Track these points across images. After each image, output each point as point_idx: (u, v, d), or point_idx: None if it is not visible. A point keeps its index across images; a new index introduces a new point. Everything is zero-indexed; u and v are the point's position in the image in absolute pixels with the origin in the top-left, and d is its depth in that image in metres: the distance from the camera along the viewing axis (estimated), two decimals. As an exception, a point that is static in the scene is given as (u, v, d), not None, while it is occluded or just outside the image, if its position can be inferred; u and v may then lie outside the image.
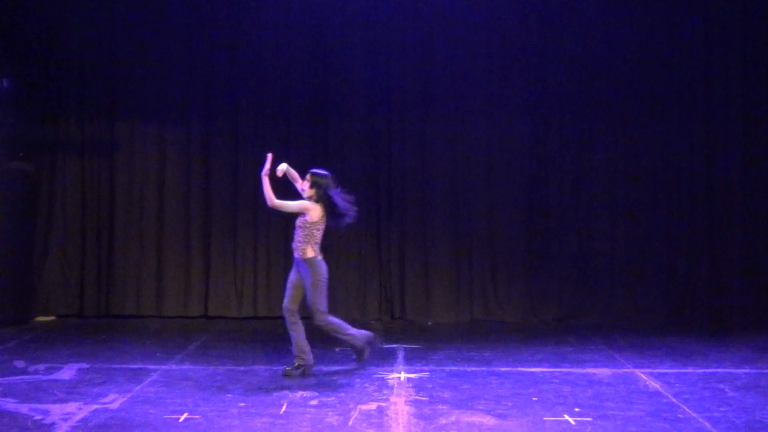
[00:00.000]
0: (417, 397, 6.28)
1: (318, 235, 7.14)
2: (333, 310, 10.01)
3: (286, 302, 7.19)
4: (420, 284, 10.16)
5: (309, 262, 7.07)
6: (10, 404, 6.00)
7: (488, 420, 5.66)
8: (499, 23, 10.18)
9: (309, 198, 7.16)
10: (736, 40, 10.04)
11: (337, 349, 8.19)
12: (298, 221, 7.16)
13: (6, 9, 9.60)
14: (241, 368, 7.29)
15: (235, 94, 10.24)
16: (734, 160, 10.04)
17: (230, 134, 10.26)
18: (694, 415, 5.81)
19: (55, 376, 6.94)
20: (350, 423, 5.57)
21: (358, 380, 6.83)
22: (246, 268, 10.21)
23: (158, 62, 10.20)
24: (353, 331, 7.33)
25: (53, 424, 5.53)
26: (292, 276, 7.24)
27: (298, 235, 7.13)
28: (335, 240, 10.17)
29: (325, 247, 10.05)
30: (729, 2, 10.05)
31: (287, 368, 7.10)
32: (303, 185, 7.26)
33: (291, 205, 7.13)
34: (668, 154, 10.11)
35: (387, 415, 5.79)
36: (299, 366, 7.07)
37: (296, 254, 7.17)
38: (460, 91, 10.17)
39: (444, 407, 5.98)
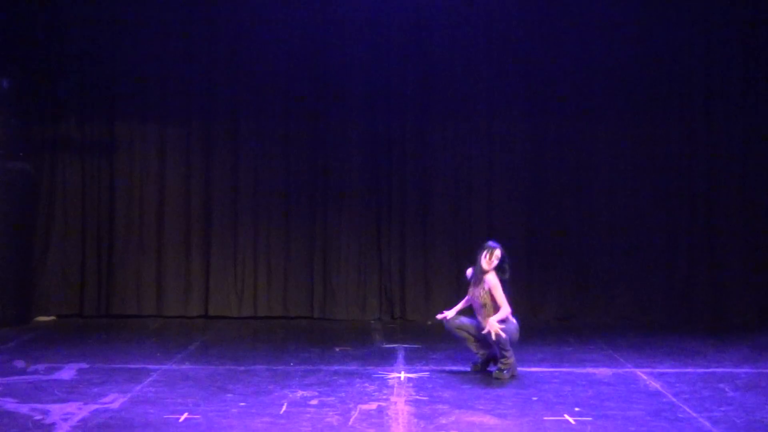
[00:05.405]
0: (417, 397, 6.27)
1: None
2: (333, 309, 10.18)
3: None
4: (420, 284, 10.16)
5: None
6: (10, 404, 5.99)
7: (488, 420, 5.66)
8: (499, 24, 10.18)
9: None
10: (737, 39, 10.05)
11: (337, 349, 8.20)
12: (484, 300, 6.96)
13: (6, 9, 9.59)
14: (241, 368, 7.28)
15: (235, 94, 10.24)
16: (734, 160, 10.05)
17: (230, 134, 10.27)
18: (694, 415, 5.80)
19: (55, 376, 6.93)
20: (350, 423, 5.57)
21: (358, 380, 6.82)
22: (246, 268, 10.21)
23: (158, 62, 10.20)
24: None
25: (53, 424, 5.52)
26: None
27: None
28: (335, 240, 10.20)
29: (326, 247, 10.20)
30: (730, 4, 10.06)
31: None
32: (488, 263, 6.89)
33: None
34: (668, 154, 10.12)
35: (387, 415, 5.78)
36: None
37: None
38: (460, 92, 10.18)
39: (444, 407, 5.98)
